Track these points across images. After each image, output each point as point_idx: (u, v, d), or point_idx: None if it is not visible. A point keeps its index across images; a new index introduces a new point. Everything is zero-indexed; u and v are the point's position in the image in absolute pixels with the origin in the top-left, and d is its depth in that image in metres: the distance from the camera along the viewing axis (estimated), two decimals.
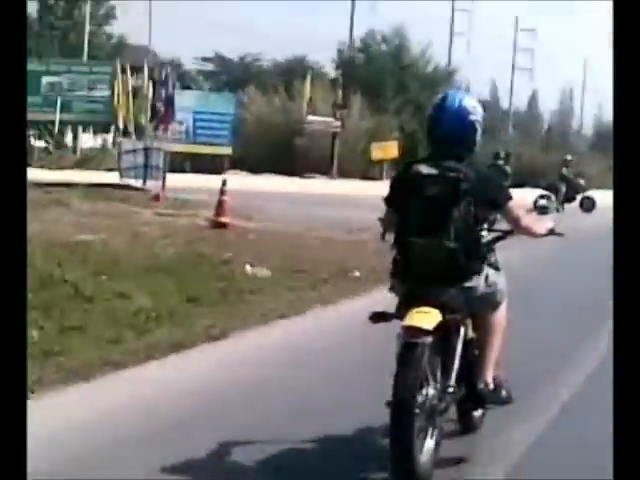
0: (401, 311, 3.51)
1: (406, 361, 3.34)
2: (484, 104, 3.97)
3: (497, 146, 27.00)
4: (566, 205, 21.32)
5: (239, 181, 19.55)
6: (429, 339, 3.35)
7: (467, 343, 3.69)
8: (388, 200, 3.79)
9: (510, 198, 3.72)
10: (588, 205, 21.78)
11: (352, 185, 25.97)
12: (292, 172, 29.59)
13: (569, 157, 23.77)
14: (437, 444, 3.48)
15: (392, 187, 3.79)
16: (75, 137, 31.85)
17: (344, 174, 30.49)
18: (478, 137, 3.73)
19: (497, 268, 3.84)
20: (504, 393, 3.86)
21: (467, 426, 4.05)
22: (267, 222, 12.68)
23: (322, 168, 31.06)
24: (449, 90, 3.97)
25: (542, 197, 4.50)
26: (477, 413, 4.07)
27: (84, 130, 31.82)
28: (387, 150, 26.85)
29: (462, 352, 3.62)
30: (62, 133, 30.76)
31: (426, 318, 3.39)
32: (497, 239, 3.90)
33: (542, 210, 4.32)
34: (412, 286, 3.59)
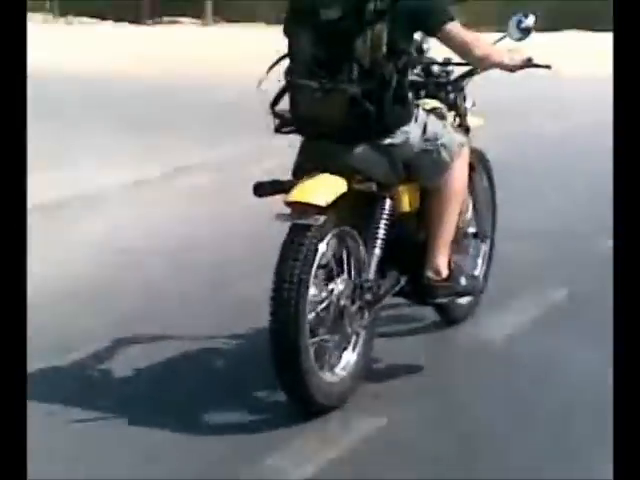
0: (295, 180, 2.66)
1: (289, 250, 2.50)
2: None
3: None
4: None
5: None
6: (321, 219, 2.51)
7: (405, 220, 2.93)
8: (285, 30, 2.84)
9: (450, 19, 2.80)
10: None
11: (238, 38, 14.78)
12: (138, 17, 17.89)
13: None
14: (361, 355, 2.78)
15: (287, 12, 2.86)
16: None
17: (228, 17, 18.15)
18: None
19: (442, 116, 3.02)
20: (463, 282, 3.05)
21: (448, 317, 3.36)
22: None
23: (190, 9, 18.82)
24: None
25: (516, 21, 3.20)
26: (462, 300, 3.30)
27: None
28: None
29: (392, 233, 2.81)
30: None
31: (320, 189, 2.55)
32: (428, 82, 3.08)
33: (521, 33, 3.24)
34: (307, 147, 2.77)
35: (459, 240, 3.23)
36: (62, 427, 2.74)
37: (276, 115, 2.78)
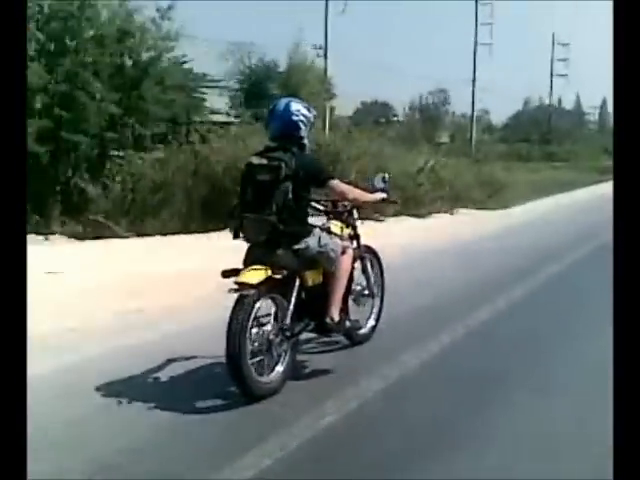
0: (242, 269, 4.32)
1: (235, 310, 4.11)
2: (310, 109, 4.76)
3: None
4: None
5: None
6: (252, 291, 4.14)
7: (313, 289, 4.64)
8: (241, 184, 4.64)
9: (331, 178, 4.67)
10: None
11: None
12: None
13: None
14: (287, 367, 4.41)
15: (242, 174, 4.64)
16: None
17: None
18: (303, 133, 4.62)
19: (330, 232, 4.86)
20: (348, 324, 4.95)
21: (353, 342, 5.29)
22: None
23: None
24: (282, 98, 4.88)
25: (379, 178, 5.38)
26: (361, 331, 5.36)
27: None
28: None
29: (303, 296, 4.53)
30: None
31: (253, 275, 4.20)
32: (333, 211, 5.09)
33: (378, 185, 5.23)
34: (250, 250, 4.45)
35: (357, 298, 5.29)
36: None
37: (235, 233, 4.56)
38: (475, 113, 44.90)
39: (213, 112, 17.42)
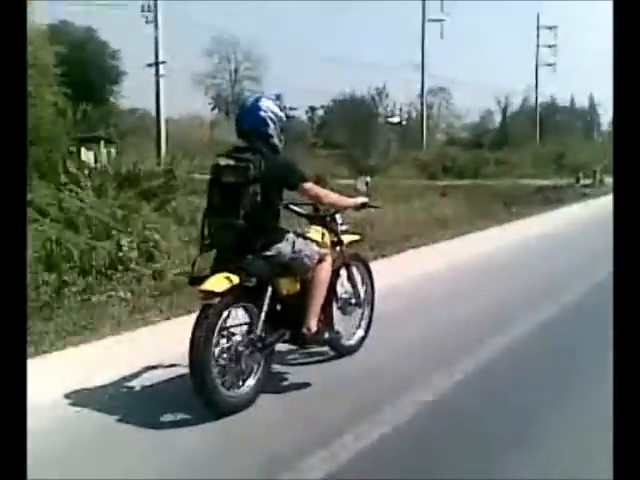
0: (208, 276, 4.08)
1: (198, 319, 3.89)
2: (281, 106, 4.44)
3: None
4: None
5: None
6: (217, 299, 3.89)
7: (288, 297, 4.39)
8: (207, 189, 4.35)
9: (304, 180, 4.32)
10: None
11: None
12: None
13: None
14: (259, 379, 4.17)
15: (209, 180, 4.36)
16: None
17: None
18: (272, 131, 4.31)
19: (305, 238, 4.56)
20: (326, 335, 4.55)
21: (340, 353, 4.95)
22: None
23: None
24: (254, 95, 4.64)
25: (362, 181, 5.20)
26: (348, 342, 5.03)
27: None
28: None
29: (278, 305, 4.32)
30: None
31: (218, 282, 3.91)
32: (314, 216, 4.82)
33: (365, 186, 5.09)
34: (217, 257, 4.21)
35: (343, 307, 4.98)
36: None
37: (202, 245, 4.30)
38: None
39: None
